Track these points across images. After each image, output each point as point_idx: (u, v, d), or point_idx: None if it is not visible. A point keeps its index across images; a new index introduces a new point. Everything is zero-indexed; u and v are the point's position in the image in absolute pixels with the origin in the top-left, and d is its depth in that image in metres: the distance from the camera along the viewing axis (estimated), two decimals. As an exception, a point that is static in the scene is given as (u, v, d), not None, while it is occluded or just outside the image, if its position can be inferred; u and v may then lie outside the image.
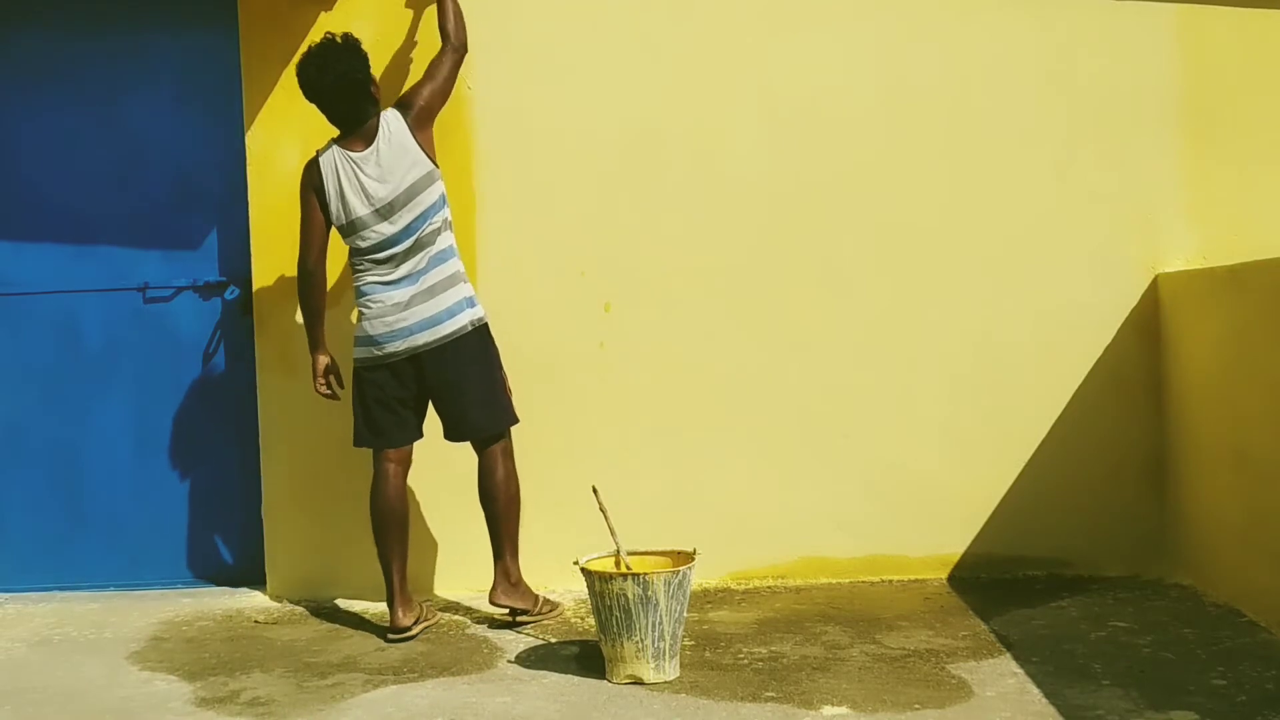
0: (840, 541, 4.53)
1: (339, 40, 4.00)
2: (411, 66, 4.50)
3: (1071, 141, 4.49)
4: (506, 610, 4.09)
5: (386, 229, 3.97)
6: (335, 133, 4.07)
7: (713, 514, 4.48)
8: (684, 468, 4.53)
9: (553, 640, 3.95)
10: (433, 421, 4.15)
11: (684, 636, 3.63)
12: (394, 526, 4.07)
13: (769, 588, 4.49)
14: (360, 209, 3.97)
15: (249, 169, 4.54)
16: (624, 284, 4.54)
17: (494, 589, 4.08)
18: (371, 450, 4.12)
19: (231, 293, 4.70)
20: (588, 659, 3.70)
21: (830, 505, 4.52)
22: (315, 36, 4.39)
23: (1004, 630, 3.87)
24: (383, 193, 3.97)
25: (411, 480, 4.15)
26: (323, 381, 4.16)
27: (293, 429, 4.55)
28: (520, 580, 4.11)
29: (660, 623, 3.45)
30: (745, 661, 3.66)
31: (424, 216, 3.99)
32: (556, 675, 3.60)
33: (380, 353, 4.00)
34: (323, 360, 4.15)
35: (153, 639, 4.13)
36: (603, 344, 4.55)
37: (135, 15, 4.71)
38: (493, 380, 4.09)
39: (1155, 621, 3.91)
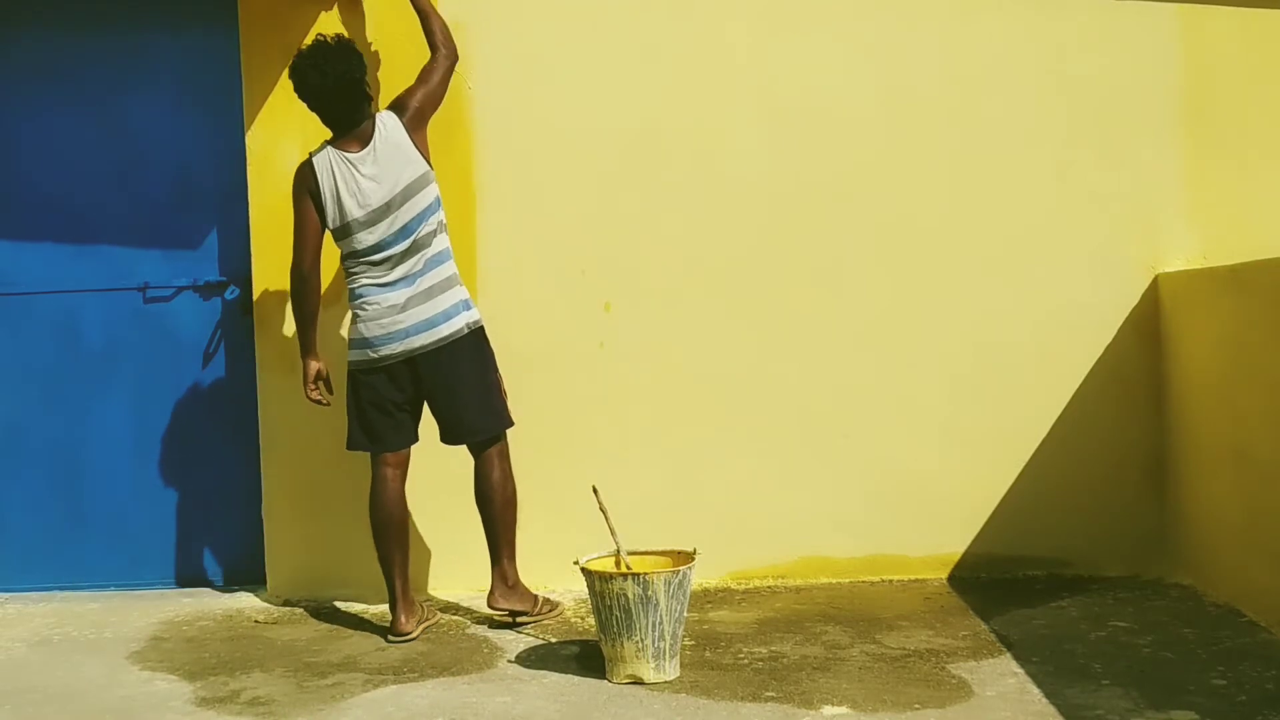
0: (840, 541, 4.53)
1: (333, 41, 3.99)
2: (411, 66, 4.49)
3: (1071, 141, 4.49)
4: (506, 613, 4.09)
5: (382, 231, 3.97)
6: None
7: (713, 514, 4.48)
8: (684, 467, 4.53)
9: (553, 640, 3.95)
10: (430, 422, 4.14)
11: (684, 636, 3.63)
12: (394, 531, 4.07)
13: (769, 588, 4.49)
14: (356, 211, 3.97)
15: (249, 168, 4.54)
16: (624, 283, 4.54)
17: (492, 593, 4.09)
18: (370, 454, 4.12)
19: (231, 293, 4.70)
20: (588, 659, 3.70)
21: (830, 505, 4.52)
22: (313, 37, 4.40)
23: (1004, 630, 3.87)
24: (379, 194, 3.96)
25: (410, 480, 4.15)
26: (314, 387, 4.14)
27: (293, 429, 4.55)
28: (518, 582, 4.11)
29: (660, 622, 3.45)
30: (745, 661, 3.66)
31: (420, 218, 3.98)
32: (556, 675, 3.60)
33: (376, 355, 3.99)
34: (314, 366, 4.13)
35: (153, 639, 4.13)
36: (603, 343, 4.55)
37: (135, 15, 4.71)
38: (488, 383, 4.09)
39: (1155, 621, 3.91)
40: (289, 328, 4.52)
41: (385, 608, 4.16)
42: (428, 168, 4.03)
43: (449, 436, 4.11)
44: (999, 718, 3.15)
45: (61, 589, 4.75)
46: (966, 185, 4.50)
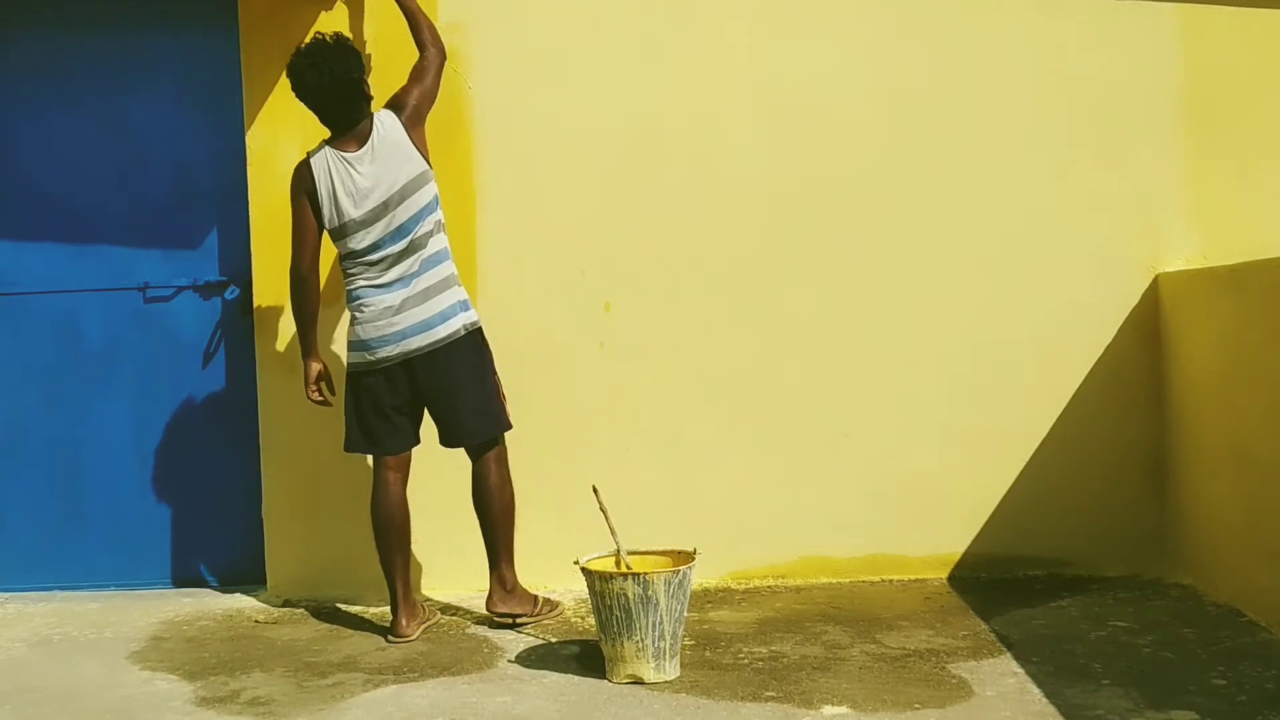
0: (840, 541, 4.53)
1: (331, 40, 3.98)
2: (409, 66, 4.48)
3: (1071, 141, 4.49)
4: (505, 616, 4.09)
5: (379, 231, 3.96)
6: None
7: (713, 514, 4.48)
8: (684, 467, 4.53)
9: (553, 640, 3.95)
10: (431, 424, 4.14)
11: (684, 636, 3.63)
12: (395, 533, 4.06)
13: (769, 587, 4.49)
14: (353, 211, 3.96)
15: (249, 168, 4.54)
16: (624, 283, 4.54)
17: (490, 597, 4.08)
18: (370, 455, 4.12)
19: (231, 292, 4.70)
20: (588, 659, 3.70)
21: (830, 505, 4.52)
22: (312, 36, 4.40)
23: (1004, 630, 3.87)
24: (376, 193, 3.95)
25: (411, 480, 4.15)
26: (314, 388, 4.14)
27: (293, 429, 4.55)
28: (516, 586, 4.11)
29: (660, 622, 3.45)
30: (745, 661, 3.66)
31: (417, 218, 3.97)
32: (556, 675, 3.60)
33: (373, 357, 3.99)
34: (314, 367, 4.13)
35: (153, 639, 4.13)
36: (603, 343, 4.55)
37: (135, 15, 4.71)
38: (486, 386, 4.07)
39: (1155, 621, 3.91)
40: (289, 328, 4.52)
41: (385, 608, 4.16)
42: (426, 166, 4.02)
43: (447, 439, 4.10)
44: (999, 718, 3.15)
45: (61, 589, 4.75)
46: (966, 185, 4.51)
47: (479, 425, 4.05)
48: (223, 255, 4.73)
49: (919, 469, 4.50)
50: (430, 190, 4.02)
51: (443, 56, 4.22)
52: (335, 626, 4.22)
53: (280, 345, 4.56)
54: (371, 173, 3.95)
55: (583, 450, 4.49)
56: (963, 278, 4.50)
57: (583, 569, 3.57)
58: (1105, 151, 4.48)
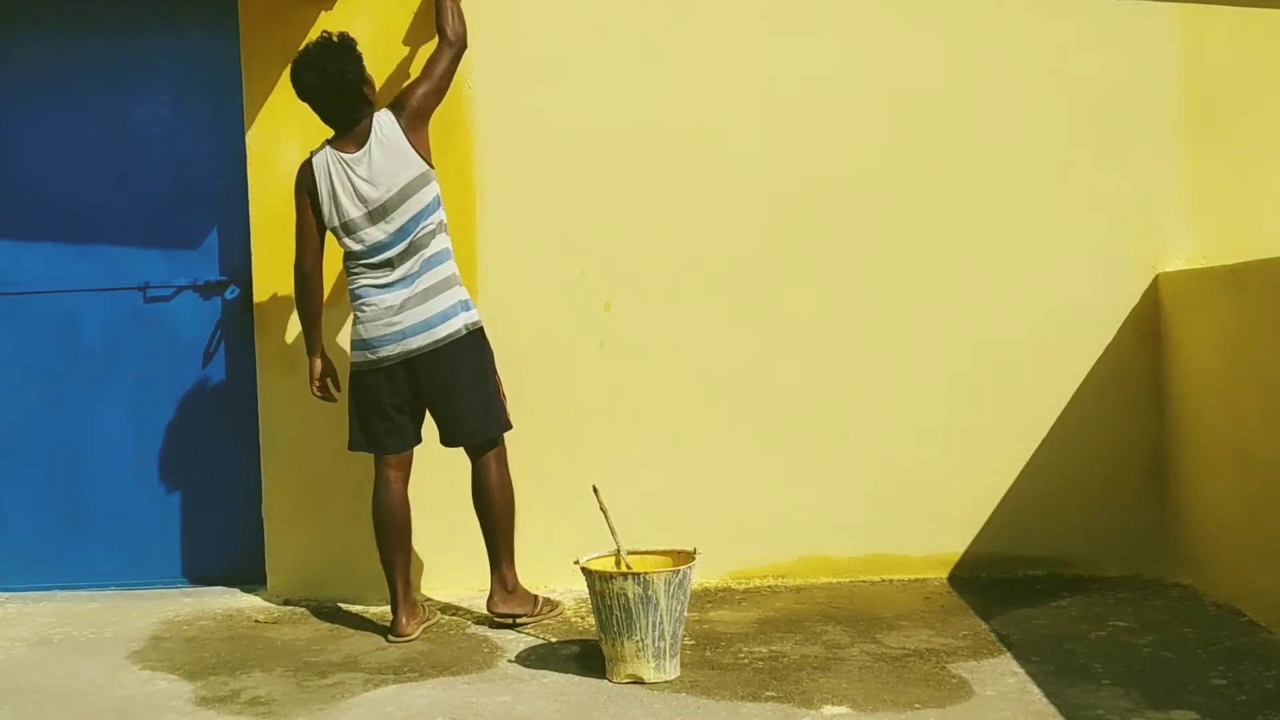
0: (840, 541, 4.53)
1: (335, 39, 3.98)
2: (411, 66, 4.50)
3: (1071, 141, 4.49)
4: (506, 616, 4.09)
5: (379, 231, 3.96)
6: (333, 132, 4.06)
7: (713, 514, 4.48)
8: (684, 467, 4.53)
9: (553, 640, 3.95)
10: (431, 423, 4.14)
11: (684, 636, 3.63)
12: (396, 533, 4.07)
13: (769, 587, 4.49)
14: (352, 211, 3.96)
15: (249, 168, 4.54)
16: (624, 283, 4.54)
17: (491, 597, 4.09)
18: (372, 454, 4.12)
19: (231, 292, 4.70)
20: (588, 658, 3.70)
21: (830, 505, 4.52)
22: (315, 36, 4.40)
23: (1004, 630, 3.87)
24: (375, 195, 3.95)
25: (412, 478, 4.15)
26: (319, 385, 4.15)
27: (293, 429, 4.55)
28: (517, 586, 4.11)
29: (660, 622, 3.45)
30: (745, 661, 3.66)
31: (417, 219, 3.97)
32: (557, 675, 3.60)
33: (374, 356, 3.99)
34: (319, 364, 4.14)
35: (153, 638, 4.13)
36: (603, 344, 4.55)
37: (135, 15, 4.71)
38: (486, 385, 4.07)
39: (1155, 621, 3.91)
40: (289, 327, 4.52)
41: (385, 608, 4.16)
42: (427, 167, 4.02)
43: (447, 439, 4.10)
44: (999, 717, 3.15)
45: (61, 589, 4.75)
46: (966, 185, 4.51)
47: (479, 425, 4.05)
48: (223, 255, 4.73)
49: (919, 469, 4.51)
50: (431, 191, 4.02)
51: (460, 45, 4.17)
52: (335, 626, 4.22)
53: (280, 344, 4.56)
54: (369, 175, 3.95)
55: (583, 450, 4.49)
56: (963, 278, 4.50)
57: (583, 569, 3.57)
58: (1105, 151, 4.48)
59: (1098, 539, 4.49)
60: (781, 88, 4.52)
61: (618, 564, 3.67)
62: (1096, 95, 4.48)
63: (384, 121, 4.00)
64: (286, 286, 4.49)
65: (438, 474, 4.34)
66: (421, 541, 4.42)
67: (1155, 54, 4.47)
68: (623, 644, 3.47)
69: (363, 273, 4.01)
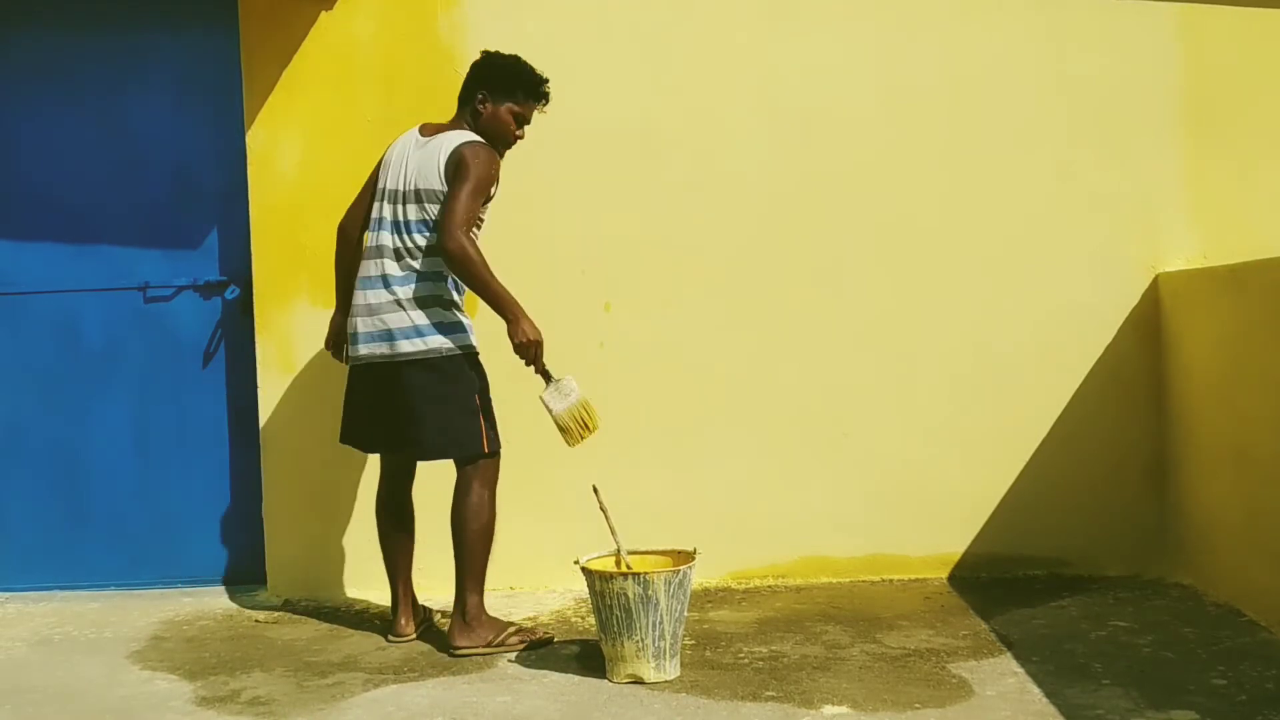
0: (840, 541, 4.53)
1: (497, 51, 3.95)
2: (410, 66, 4.50)
3: (1071, 141, 4.49)
4: (462, 650, 3.81)
5: (387, 210, 3.87)
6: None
7: (713, 514, 4.48)
8: (684, 467, 4.53)
9: (553, 640, 3.95)
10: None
11: (684, 636, 3.63)
12: (394, 533, 4.04)
13: (769, 587, 4.49)
14: (388, 182, 3.89)
15: (249, 167, 4.54)
16: (624, 283, 4.54)
17: (450, 628, 3.86)
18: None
19: (232, 292, 4.70)
20: (588, 659, 3.70)
21: (830, 505, 4.52)
22: (315, 35, 4.40)
23: (1004, 630, 3.87)
24: (400, 177, 3.87)
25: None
26: (330, 342, 4.11)
27: (293, 429, 4.55)
28: (478, 616, 3.83)
29: (661, 622, 3.45)
30: (746, 661, 3.66)
31: (417, 226, 3.82)
32: (557, 675, 3.60)
33: (353, 351, 3.92)
34: (336, 320, 4.08)
35: (153, 638, 4.13)
36: (603, 344, 4.55)
37: (135, 15, 4.71)
38: (447, 406, 3.82)
39: (1155, 621, 3.91)
40: (289, 328, 4.52)
41: (386, 608, 4.16)
42: (444, 190, 3.80)
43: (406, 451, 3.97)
44: (999, 717, 3.15)
45: (61, 589, 4.75)
46: (966, 185, 4.51)
47: (430, 441, 3.84)
48: (223, 255, 4.73)
49: (919, 469, 4.51)
50: (433, 216, 3.83)
51: (448, 255, 3.75)
52: (335, 626, 4.22)
53: (280, 344, 4.55)
54: (416, 159, 3.86)
55: (582, 449, 4.48)
56: (962, 277, 4.50)
57: (583, 569, 3.57)
58: (1105, 151, 4.49)
59: (1098, 539, 4.49)
60: (782, 87, 4.52)
61: (618, 564, 3.67)
62: (1096, 95, 4.48)
63: (448, 144, 3.83)
64: (287, 286, 4.50)
65: (439, 474, 4.34)
66: (424, 542, 4.42)
67: (1155, 54, 4.48)
68: (623, 644, 3.47)
69: (364, 258, 3.91)
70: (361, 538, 4.21)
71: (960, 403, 4.51)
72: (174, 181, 4.73)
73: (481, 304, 3.91)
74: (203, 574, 4.77)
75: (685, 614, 3.55)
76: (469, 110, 3.94)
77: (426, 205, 3.84)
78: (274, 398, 4.57)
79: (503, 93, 3.92)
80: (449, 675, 3.63)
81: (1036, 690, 3.32)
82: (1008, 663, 3.56)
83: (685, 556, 3.63)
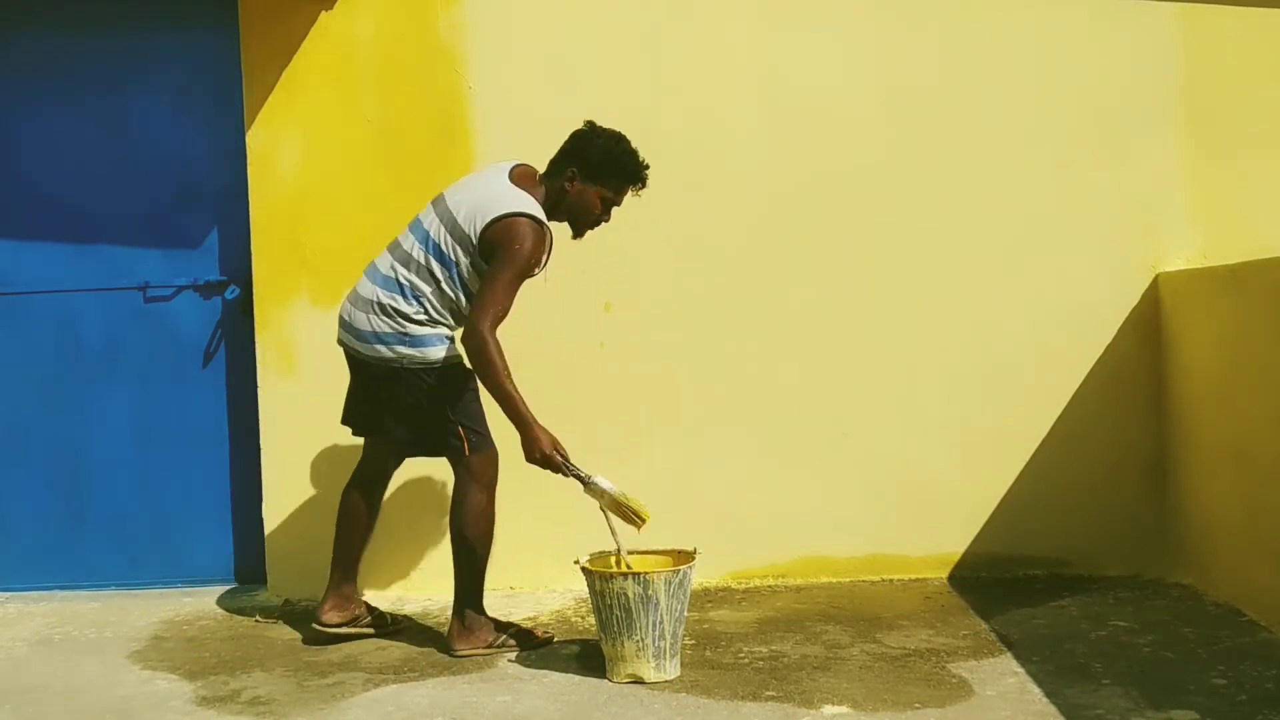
0: (840, 541, 4.53)
1: (599, 127, 3.82)
2: (410, 66, 4.50)
3: (1072, 141, 4.49)
4: (463, 653, 3.78)
5: (431, 216, 3.79)
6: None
7: (713, 514, 4.48)
8: (684, 467, 4.53)
9: (553, 640, 3.95)
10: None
11: (684, 636, 3.63)
12: (343, 519, 3.97)
13: (769, 587, 4.49)
14: (450, 191, 3.82)
15: (250, 168, 4.54)
16: (624, 283, 4.54)
17: (449, 631, 3.84)
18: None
19: (232, 292, 4.70)
20: (588, 658, 3.69)
21: (830, 505, 4.52)
22: (315, 35, 4.40)
23: (1004, 629, 3.87)
24: (458, 203, 3.75)
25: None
26: None
27: (293, 429, 4.55)
28: (476, 620, 3.81)
29: (661, 622, 3.45)
30: (746, 661, 3.66)
31: (436, 248, 3.73)
32: (557, 675, 3.60)
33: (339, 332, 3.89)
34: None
35: (153, 638, 4.13)
36: (603, 344, 4.55)
37: (135, 15, 4.71)
38: (417, 415, 3.77)
39: (1155, 621, 3.91)
40: (289, 327, 4.52)
41: (386, 607, 4.16)
42: (474, 241, 3.69)
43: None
44: (999, 717, 3.15)
45: (62, 588, 4.75)
46: (967, 185, 4.51)
47: (404, 436, 3.81)
48: (223, 255, 4.73)
49: (919, 469, 4.51)
50: (462, 256, 3.71)
51: (468, 347, 3.69)
52: (335, 626, 4.22)
53: (280, 345, 4.55)
54: (478, 187, 3.79)
55: (583, 450, 4.46)
56: (963, 277, 4.50)
57: (583, 569, 3.57)
58: (1105, 151, 4.48)
59: (1098, 539, 4.49)
60: (782, 87, 4.52)
61: (618, 564, 3.67)
62: (1096, 95, 4.48)
63: (507, 203, 3.69)
64: (287, 286, 4.50)
65: (438, 476, 4.34)
66: (424, 541, 4.42)
67: (1155, 54, 4.47)
68: (623, 644, 3.47)
69: (387, 247, 3.86)
70: (361, 537, 4.20)
71: (960, 403, 4.50)
72: (174, 181, 4.73)
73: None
74: (203, 574, 4.77)
75: (685, 614, 3.55)
76: (557, 184, 3.78)
77: (454, 241, 3.72)
78: (274, 397, 4.56)
79: (595, 176, 3.77)
80: (449, 675, 3.63)
81: (1036, 690, 3.32)
82: (1008, 663, 3.56)
83: (685, 556, 3.63)
